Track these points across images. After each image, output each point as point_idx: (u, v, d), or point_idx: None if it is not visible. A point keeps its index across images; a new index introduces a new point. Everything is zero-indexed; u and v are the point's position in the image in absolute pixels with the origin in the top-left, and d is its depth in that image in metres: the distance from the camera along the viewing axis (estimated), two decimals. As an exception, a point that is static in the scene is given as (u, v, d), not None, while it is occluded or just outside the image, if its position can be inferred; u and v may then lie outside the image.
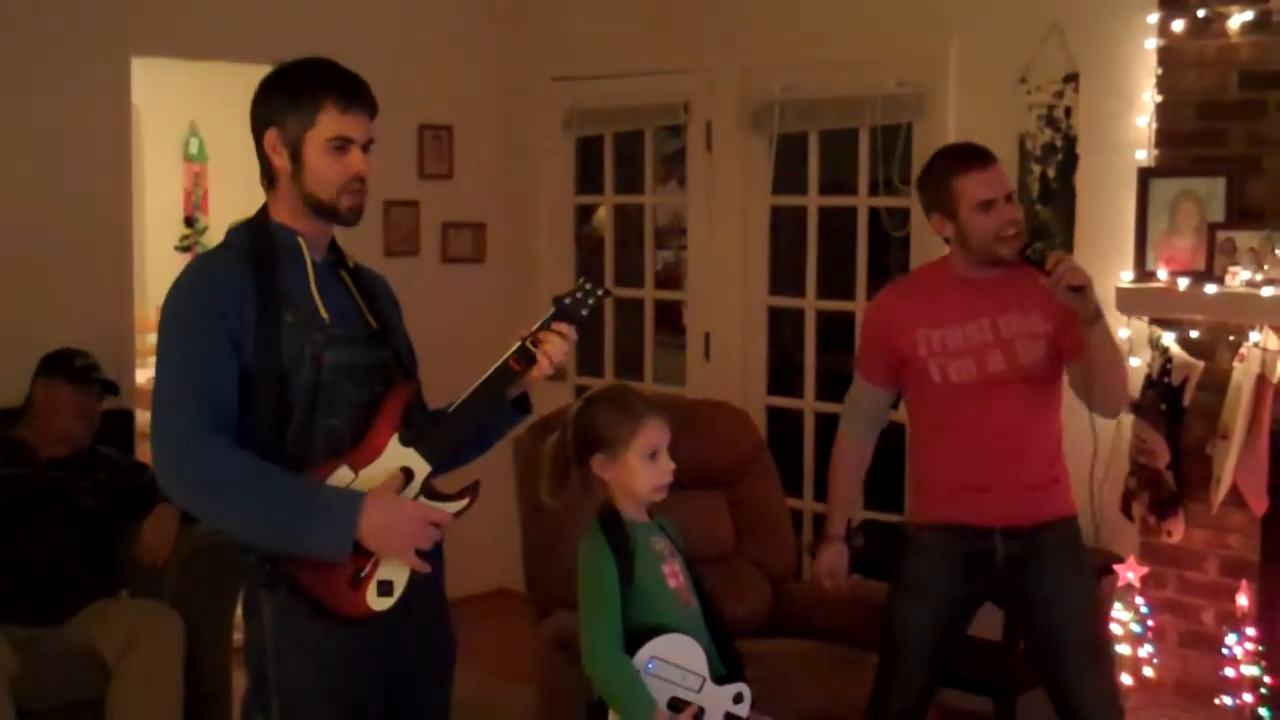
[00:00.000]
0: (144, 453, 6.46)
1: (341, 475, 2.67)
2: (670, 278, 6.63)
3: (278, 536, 2.63)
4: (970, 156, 3.55)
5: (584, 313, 2.82)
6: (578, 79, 6.26)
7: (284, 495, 2.62)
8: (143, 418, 7.33)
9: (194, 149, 9.54)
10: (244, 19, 5.73)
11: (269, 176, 2.79)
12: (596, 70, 6.17)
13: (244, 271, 2.69)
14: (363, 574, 2.66)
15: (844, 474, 3.86)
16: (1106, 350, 3.44)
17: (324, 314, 2.72)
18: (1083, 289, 3.29)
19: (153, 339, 9.29)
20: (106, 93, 5.40)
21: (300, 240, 2.77)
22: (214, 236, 9.28)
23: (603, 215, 6.61)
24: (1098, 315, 3.34)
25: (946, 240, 3.61)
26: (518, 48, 6.50)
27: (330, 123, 2.71)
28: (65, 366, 4.59)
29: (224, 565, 4.52)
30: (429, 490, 2.73)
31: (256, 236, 2.76)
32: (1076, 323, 3.37)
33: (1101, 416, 3.57)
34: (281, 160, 2.75)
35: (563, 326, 2.79)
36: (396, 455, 2.71)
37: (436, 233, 6.36)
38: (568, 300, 2.83)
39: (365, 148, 2.76)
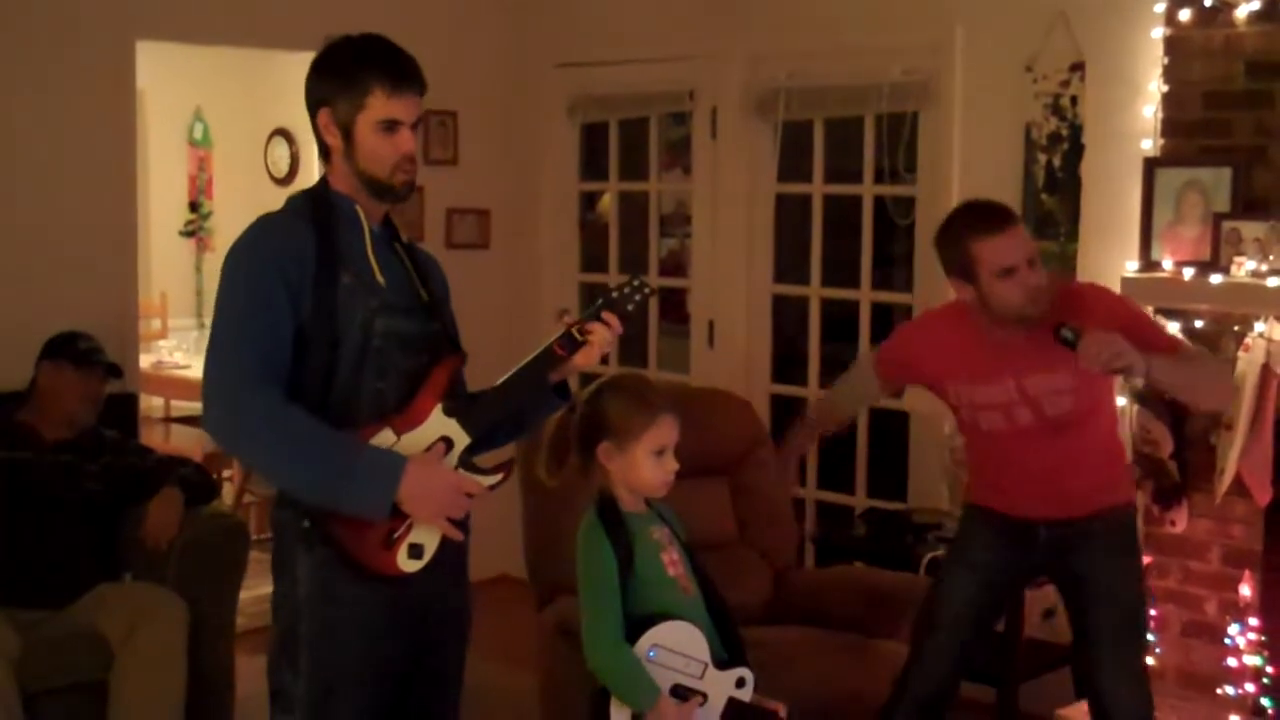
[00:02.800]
0: (148, 436, 6.48)
1: (384, 437, 2.74)
2: (675, 265, 6.62)
3: (317, 490, 2.70)
4: (988, 219, 3.39)
5: (630, 307, 2.89)
6: (583, 65, 6.25)
7: (328, 451, 2.68)
8: (147, 402, 7.36)
9: (199, 134, 9.55)
10: (249, 3, 5.73)
11: (324, 153, 2.87)
12: (602, 57, 6.16)
13: (305, 231, 2.76)
14: (395, 535, 2.74)
15: (824, 412, 4.09)
16: (1180, 379, 3.39)
17: (380, 279, 2.80)
18: (1122, 372, 3.21)
19: (156, 324, 9.24)
20: (111, 77, 5.39)
21: (358, 209, 2.84)
22: (219, 221, 9.30)
23: (607, 202, 6.60)
24: (1148, 369, 3.23)
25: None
26: (523, 34, 6.49)
27: (379, 105, 2.77)
28: (69, 349, 4.59)
29: (228, 549, 4.54)
30: (466, 463, 2.80)
31: (317, 202, 2.83)
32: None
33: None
34: (335, 140, 2.82)
35: (610, 317, 2.86)
36: (438, 424, 2.78)
37: (441, 219, 6.36)
38: (615, 294, 2.89)
39: (414, 126, 2.82)
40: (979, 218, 3.42)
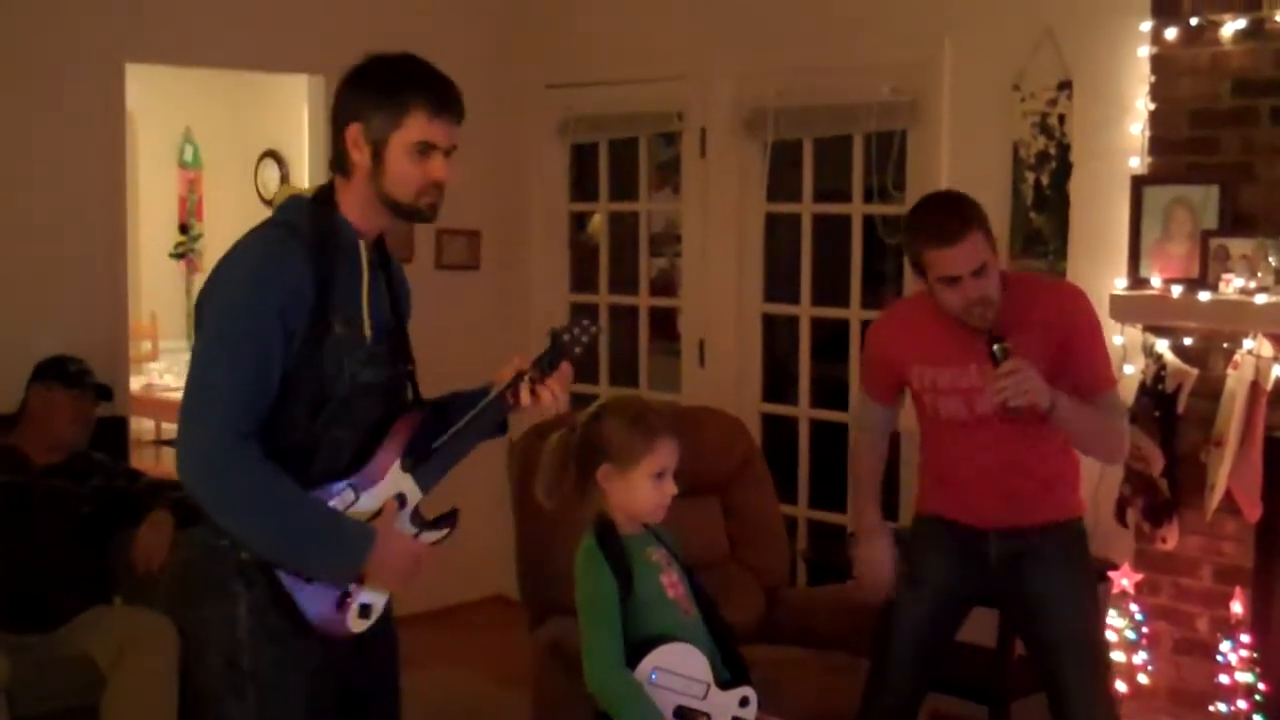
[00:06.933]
0: (138, 459, 6.46)
1: (344, 497, 2.70)
2: (665, 284, 6.63)
3: (287, 558, 2.66)
4: (940, 230, 3.37)
5: (578, 350, 2.85)
6: (573, 86, 6.26)
7: (306, 523, 2.65)
8: (137, 425, 7.34)
9: (188, 156, 9.56)
10: (238, 26, 5.73)
11: (343, 169, 2.75)
12: (591, 77, 6.17)
13: (305, 267, 2.64)
14: (348, 597, 2.73)
15: (866, 467, 3.83)
16: (1077, 429, 3.47)
17: (368, 333, 2.74)
18: (1017, 410, 3.31)
19: (146, 346, 9.20)
20: (100, 99, 5.39)
21: (361, 244, 2.75)
22: (209, 243, 9.30)
23: (598, 222, 6.61)
24: (1052, 408, 3.33)
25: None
26: (512, 54, 6.50)
27: (417, 127, 2.69)
28: (59, 371, 4.58)
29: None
30: (416, 514, 2.79)
31: (321, 226, 2.71)
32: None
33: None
34: (362, 157, 2.71)
35: (566, 371, 2.82)
36: (396, 481, 2.76)
37: (431, 239, 6.35)
38: (567, 337, 2.85)
39: (448, 153, 2.74)
40: (931, 227, 3.41)
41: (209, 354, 2.64)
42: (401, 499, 2.75)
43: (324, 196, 2.77)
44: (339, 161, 2.76)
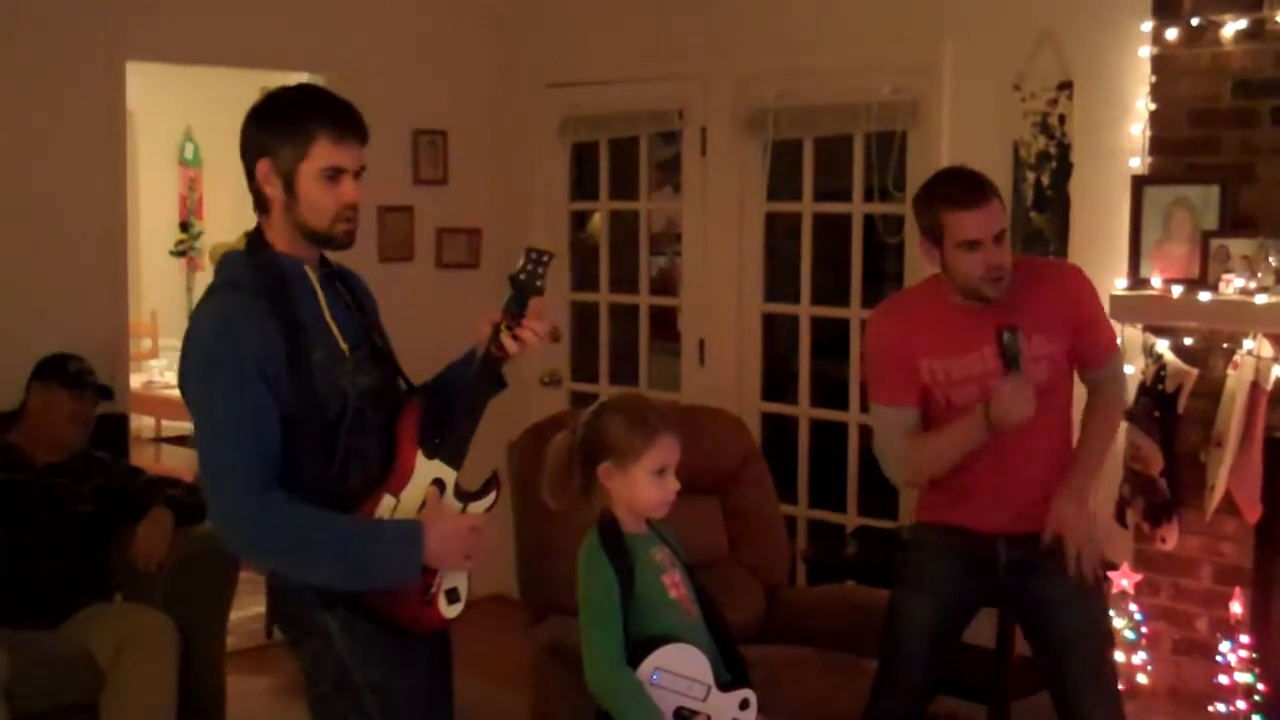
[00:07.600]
0: (138, 457, 6.47)
1: (386, 504, 2.77)
2: (665, 283, 6.62)
3: (350, 580, 2.73)
4: (963, 192, 3.42)
5: (539, 283, 2.86)
6: (573, 85, 6.26)
7: (351, 543, 2.72)
8: (137, 422, 7.35)
9: (189, 154, 9.56)
10: (239, 24, 5.74)
11: (262, 206, 2.81)
12: (592, 76, 6.18)
13: (266, 315, 2.70)
14: (431, 589, 2.80)
15: (921, 436, 3.57)
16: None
17: (344, 346, 2.81)
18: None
19: (146, 344, 9.18)
20: (101, 97, 5.40)
21: (306, 269, 2.82)
22: (209, 241, 9.29)
23: (598, 221, 6.61)
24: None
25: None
26: (513, 53, 6.50)
27: (323, 154, 2.74)
28: (60, 371, 4.59)
29: (218, 569, 4.53)
30: (458, 491, 2.85)
31: (266, 271, 2.77)
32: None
33: None
34: (275, 190, 2.77)
35: (537, 306, 2.84)
36: (426, 470, 2.82)
37: (431, 238, 6.36)
38: (523, 276, 2.86)
39: (357, 175, 2.79)
40: (955, 188, 3.46)
41: (206, 435, 2.72)
42: (439, 483, 2.81)
43: (255, 241, 2.83)
44: (256, 200, 2.82)
